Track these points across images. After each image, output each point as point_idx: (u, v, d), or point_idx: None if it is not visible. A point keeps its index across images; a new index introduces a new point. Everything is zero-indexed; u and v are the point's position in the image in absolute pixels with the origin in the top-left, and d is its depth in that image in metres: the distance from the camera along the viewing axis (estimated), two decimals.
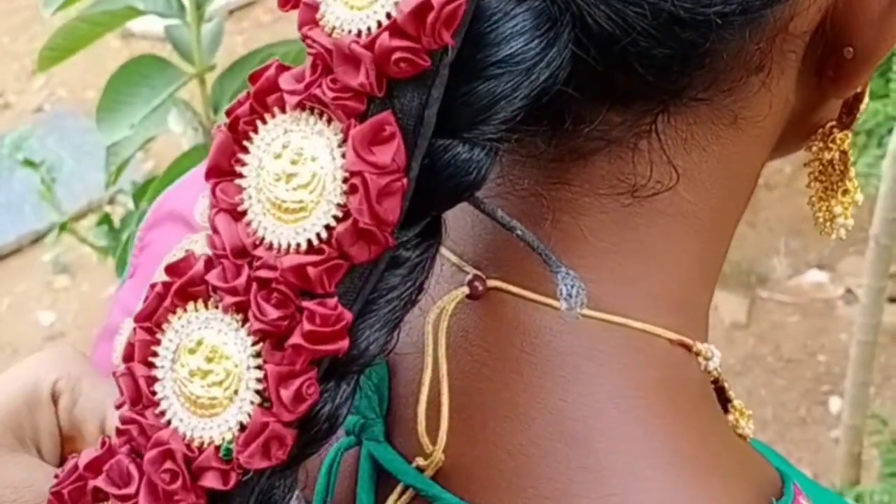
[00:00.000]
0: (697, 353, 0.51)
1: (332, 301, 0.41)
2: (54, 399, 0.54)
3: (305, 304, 0.41)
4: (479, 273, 0.49)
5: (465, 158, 0.42)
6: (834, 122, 0.53)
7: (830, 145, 0.53)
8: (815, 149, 0.54)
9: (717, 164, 0.49)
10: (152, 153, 2.95)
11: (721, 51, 0.45)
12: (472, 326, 0.49)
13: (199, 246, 0.65)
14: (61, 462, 0.53)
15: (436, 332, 0.48)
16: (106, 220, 1.64)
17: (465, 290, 0.49)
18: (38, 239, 3.08)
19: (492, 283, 0.49)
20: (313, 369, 0.42)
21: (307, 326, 0.41)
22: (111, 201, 2.71)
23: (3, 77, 3.65)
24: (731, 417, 0.55)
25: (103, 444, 0.44)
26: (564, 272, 0.44)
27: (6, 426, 0.53)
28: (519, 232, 0.45)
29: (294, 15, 0.44)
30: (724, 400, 0.55)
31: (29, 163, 1.54)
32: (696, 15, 0.43)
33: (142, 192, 1.51)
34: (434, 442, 0.48)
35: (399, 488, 0.49)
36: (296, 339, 0.41)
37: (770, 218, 2.77)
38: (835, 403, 2.46)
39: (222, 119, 1.56)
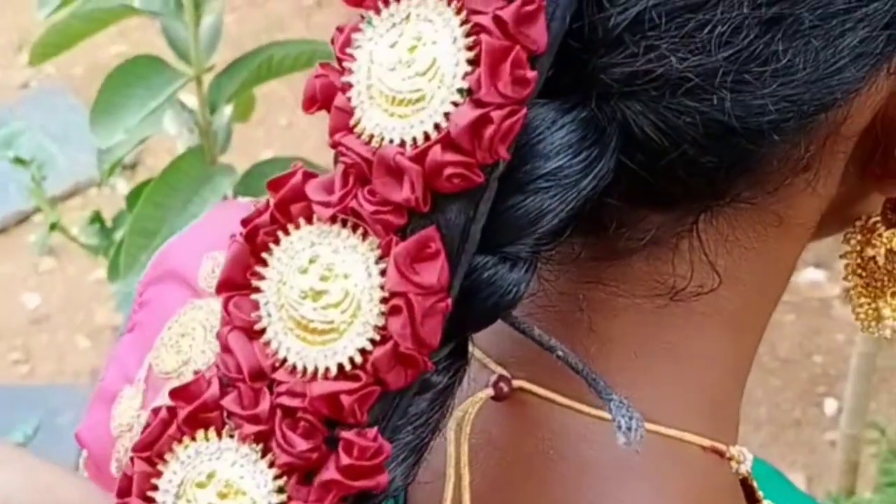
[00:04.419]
0: (730, 459, 0.49)
1: (372, 432, 0.38)
2: None
3: (343, 434, 0.38)
4: (504, 373, 0.46)
5: (506, 277, 0.40)
6: (878, 218, 0.50)
7: (875, 242, 0.50)
8: (853, 242, 0.51)
9: (757, 263, 0.46)
10: None
11: (771, 156, 0.43)
12: (496, 427, 0.47)
13: (203, 313, 0.63)
14: None
15: (458, 438, 0.45)
16: (97, 218, 1.59)
17: (490, 391, 0.46)
18: (23, 220, 3.03)
19: (517, 383, 0.46)
20: None
21: (345, 460, 0.38)
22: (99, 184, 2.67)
23: None
24: None
25: None
26: (618, 401, 0.41)
27: None
28: (560, 353, 0.42)
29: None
30: (752, 500, 0.52)
31: (20, 161, 1.50)
32: (748, 124, 0.41)
33: (135, 197, 1.46)
34: None
35: None
36: (330, 473, 0.38)
37: None
38: (830, 405, 2.44)
39: (219, 120, 1.53)
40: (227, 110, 1.54)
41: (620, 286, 0.45)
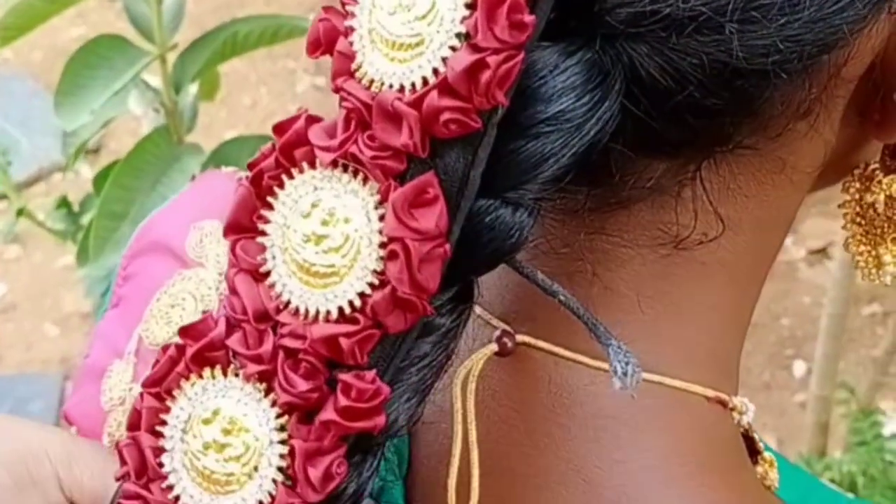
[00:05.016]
0: (732, 409, 0.49)
1: (370, 374, 0.38)
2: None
3: (341, 376, 0.38)
4: (507, 328, 0.46)
5: (508, 221, 0.40)
6: (877, 165, 0.51)
7: (874, 188, 0.50)
8: (852, 190, 0.51)
9: (758, 211, 0.46)
10: None
11: (774, 99, 0.43)
12: (500, 384, 0.47)
13: (193, 283, 0.63)
14: None
15: (464, 395, 0.45)
16: (64, 203, 1.58)
17: (494, 346, 0.46)
18: None
19: (520, 338, 0.46)
20: (342, 445, 0.39)
21: (343, 401, 0.38)
22: (64, 169, 2.65)
23: None
24: (759, 469, 0.53)
25: None
26: (616, 346, 0.41)
27: None
28: (562, 297, 0.42)
29: None
30: (753, 451, 0.53)
31: None
32: (754, 65, 0.41)
33: (102, 179, 1.45)
34: None
35: None
36: (328, 414, 0.38)
37: None
38: (799, 367, 2.46)
39: (184, 99, 1.52)
40: (193, 89, 1.53)
41: (624, 236, 0.45)
